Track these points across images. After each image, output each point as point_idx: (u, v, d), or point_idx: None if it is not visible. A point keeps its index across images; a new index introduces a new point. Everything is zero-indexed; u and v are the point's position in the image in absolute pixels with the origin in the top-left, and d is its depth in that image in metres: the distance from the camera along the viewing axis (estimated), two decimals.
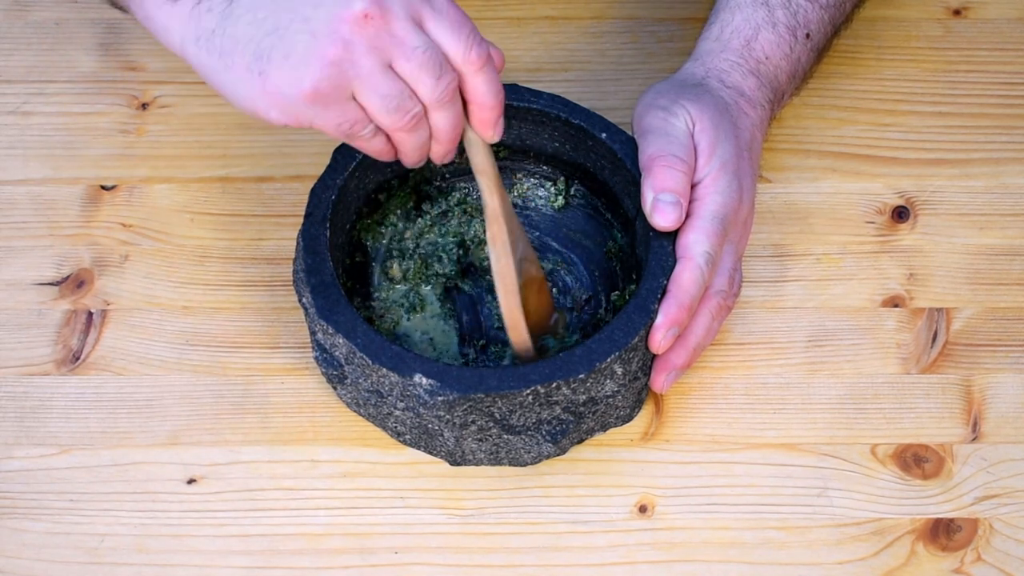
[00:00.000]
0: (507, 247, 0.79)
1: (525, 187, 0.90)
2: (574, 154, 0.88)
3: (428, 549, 0.80)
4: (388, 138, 0.74)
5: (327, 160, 0.84)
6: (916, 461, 0.83)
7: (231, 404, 0.84)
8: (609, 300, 0.87)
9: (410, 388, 0.77)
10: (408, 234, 0.89)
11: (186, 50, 0.73)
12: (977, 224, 0.92)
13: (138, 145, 0.95)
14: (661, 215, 0.80)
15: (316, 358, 0.81)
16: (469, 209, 0.90)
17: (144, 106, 0.97)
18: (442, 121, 0.73)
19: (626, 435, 0.84)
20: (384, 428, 0.82)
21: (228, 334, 0.87)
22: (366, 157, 0.84)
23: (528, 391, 0.76)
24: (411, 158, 0.75)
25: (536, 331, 0.82)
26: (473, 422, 0.78)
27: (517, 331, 0.81)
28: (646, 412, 0.84)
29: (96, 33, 1.00)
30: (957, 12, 1.02)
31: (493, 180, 0.77)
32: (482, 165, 0.77)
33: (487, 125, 0.74)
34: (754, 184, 0.85)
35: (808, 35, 0.89)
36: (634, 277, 0.85)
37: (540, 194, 0.90)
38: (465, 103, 0.74)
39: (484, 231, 0.85)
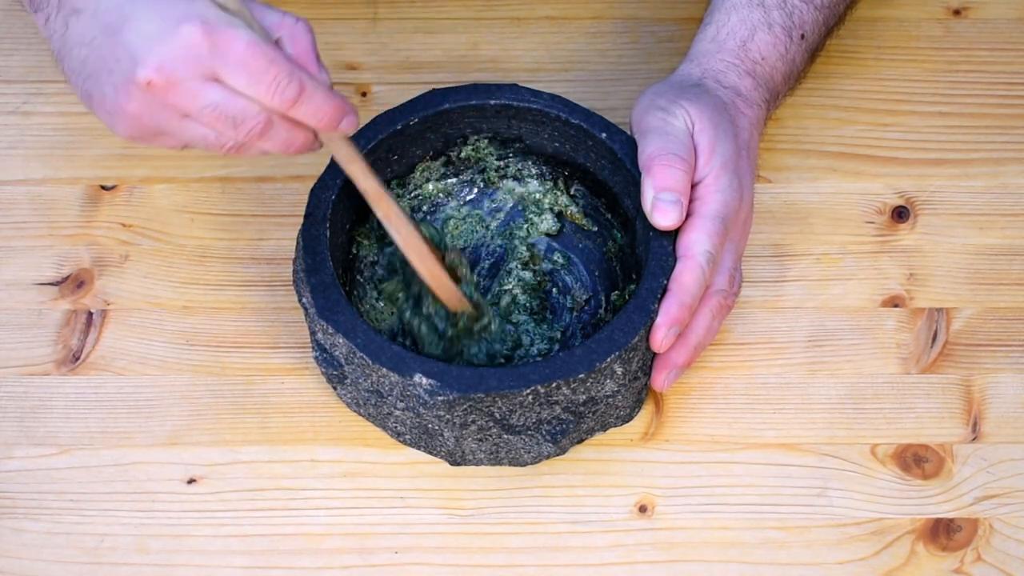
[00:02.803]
0: (402, 217, 0.79)
1: (525, 187, 0.90)
2: (574, 154, 0.88)
3: (428, 549, 0.80)
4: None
5: (327, 160, 0.84)
6: (916, 461, 0.83)
7: (231, 404, 0.84)
8: (609, 300, 0.87)
9: (410, 388, 0.77)
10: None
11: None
12: (977, 224, 0.92)
13: (138, 145, 0.95)
14: (662, 214, 0.80)
15: (316, 358, 0.81)
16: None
17: None
18: (269, 146, 0.74)
19: (626, 435, 0.84)
20: (384, 428, 0.82)
21: (228, 334, 0.87)
22: (366, 157, 0.83)
23: (528, 391, 0.76)
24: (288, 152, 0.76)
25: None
26: (473, 422, 0.78)
27: (446, 288, 0.82)
28: (646, 412, 0.84)
29: None
30: (957, 12, 1.02)
31: (360, 167, 0.78)
32: (344, 158, 0.77)
33: (330, 130, 0.74)
34: (753, 183, 0.86)
35: (803, 36, 0.89)
36: (634, 277, 0.85)
37: (541, 194, 0.90)
38: None
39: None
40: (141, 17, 0.70)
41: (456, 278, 0.83)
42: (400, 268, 0.85)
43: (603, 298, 0.87)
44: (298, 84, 0.71)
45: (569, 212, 0.89)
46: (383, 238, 0.88)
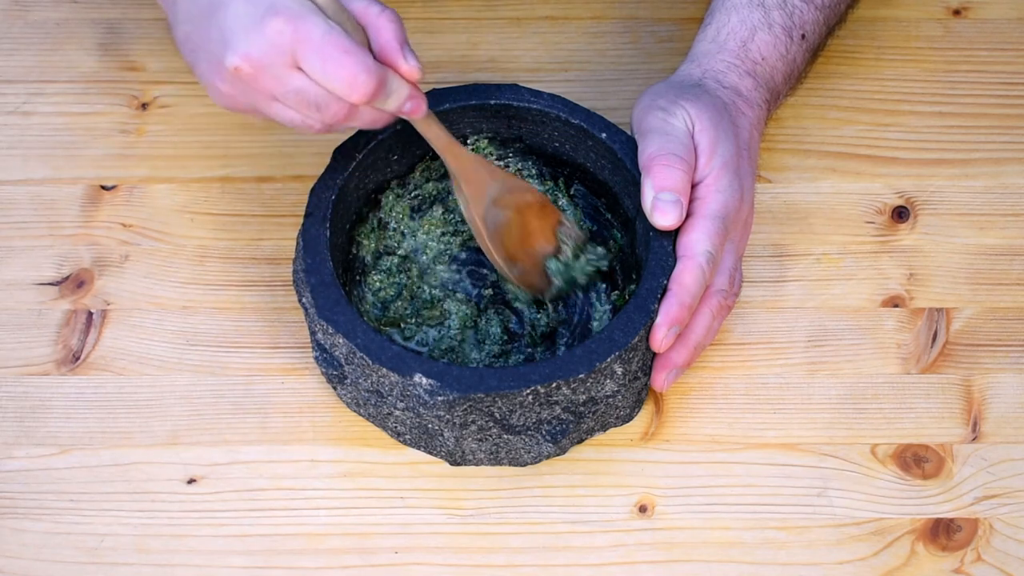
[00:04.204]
0: (468, 198, 0.83)
1: None
2: (574, 154, 0.88)
3: (428, 549, 0.80)
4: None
5: (327, 160, 0.84)
6: (916, 461, 0.83)
7: (231, 404, 0.84)
8: (609, 300, 0.87)
9: (410, 388, 0.77)
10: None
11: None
12: (977, 224, 0.92)
13: (138, 145, 0.95)
14: (662, 214, 0.80)
15: (316, 358, 0.81)
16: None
17: (144, 106, 0.96)
18: (357, 124, 0.78)
19: (626, 435, 0.84)
20: (384, 428, 0.82)
21: (228, 334, 0.87)
22: (366, 157, 0.84)
23: (528, 391, 0.76)
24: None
25: (539, 250, 0.85)
26: (473, 422, 0.78)
27: (500, 266, 0.84)
28: (646, 412, 0.84)
29: (96, 33, 1.00)
30: (957, 12, 1.02)
31: (442, 144, 0.81)
32: (428, 134, 0.81)
33: (414, 115, 0.78)
34: (754, 184, 0.86)
35: (804, 36, 0.89)
36: (634, 277, 0.85)
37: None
38: None
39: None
40: (234, 2, 0.73)
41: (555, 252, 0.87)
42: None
43: (604, 296, 0.87)
44: (375, 79, 0.74)
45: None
46: (383, 237, 0.88)
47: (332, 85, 0.74)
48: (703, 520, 0.81)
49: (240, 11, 0.73)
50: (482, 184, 0.83)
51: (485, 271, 0.89)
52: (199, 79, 0.78)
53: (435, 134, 0.81)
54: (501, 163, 0.90)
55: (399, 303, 0.86)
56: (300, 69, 0.74)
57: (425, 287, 0.87)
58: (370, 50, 0.76)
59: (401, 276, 0.87)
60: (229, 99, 0.77)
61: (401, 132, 0.85)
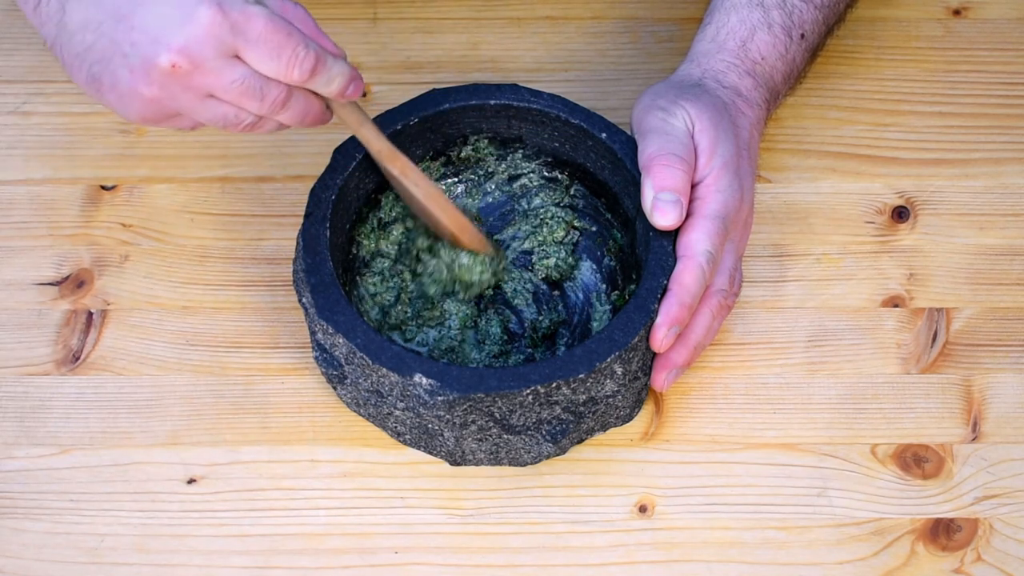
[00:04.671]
0: (418, 171, 0.82)
1: (525, 188, 0.90)
2: (574, 154, 0.88)
3: (428, 549, 0.80)
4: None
5: (327, 160, 0.84)
6: (916, 461, 0.83)
7: (231, 404, 0.84)
8: (609, 300, 0.87)
9: (410, 388, 0.77)
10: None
11: (48, 44, 0.77)
12: (977, 224, 0.92)
13: (138, 145, 0.95)
14: (661, 214, 0.80)
15: (316, 358, 0.81)
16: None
17: None
18: (287, 118, 0.76)
19: (626, 435, 0.84)
20: (384, 428, 0.82)
21: (228, 334, 0.87)
22: (367, 157, 0.84)
23: (528, 391, 0.76)
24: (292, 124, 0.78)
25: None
26: (473, 422, 0.78)
27: (471, 231, 0.84)
28: (646, 412, 0.84)
29: None
30: (957, 12, 1.02)
31: (371, 129, 0.81)
32: (355, 122, 0.80)
33: (344, 97, 0.77)
34: (754, 184, 0.86)
35: (803, 35, 0.89)
36: (634, 277, 0.85)
37: (540, 194, 0.90)
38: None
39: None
40: (152, 2, 0.71)
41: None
42: (413, 242, 0.87)
43: (604, 296, 0.87)
44: (314, 56, 0.73)
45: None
46: (382, 236, 0.88)
47: (273, 66, 0.73)
48: (703, 520, 0.81)
49: (164, 9, 0.71)
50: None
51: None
52: (104, 94, 0.74)
53: (358, 121, 0.80)
54: (501, 163, 0.90)
55: (399, 307, 0.86)
56: (238, 57, 0.73)
57: (422, 285, 0.87)
58: None
59: (395, 280, 0.87)
60: (151, 107, 0.74)
61: (400, 133, 0.85)
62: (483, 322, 0.87)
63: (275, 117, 0.76)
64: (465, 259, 0.85)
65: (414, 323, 0.86)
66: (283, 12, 0.74)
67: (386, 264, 0.87)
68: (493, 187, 0.90)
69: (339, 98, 0.76)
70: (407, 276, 0.87)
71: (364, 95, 0.80)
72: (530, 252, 0.89)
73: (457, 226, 0.84)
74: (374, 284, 0.86)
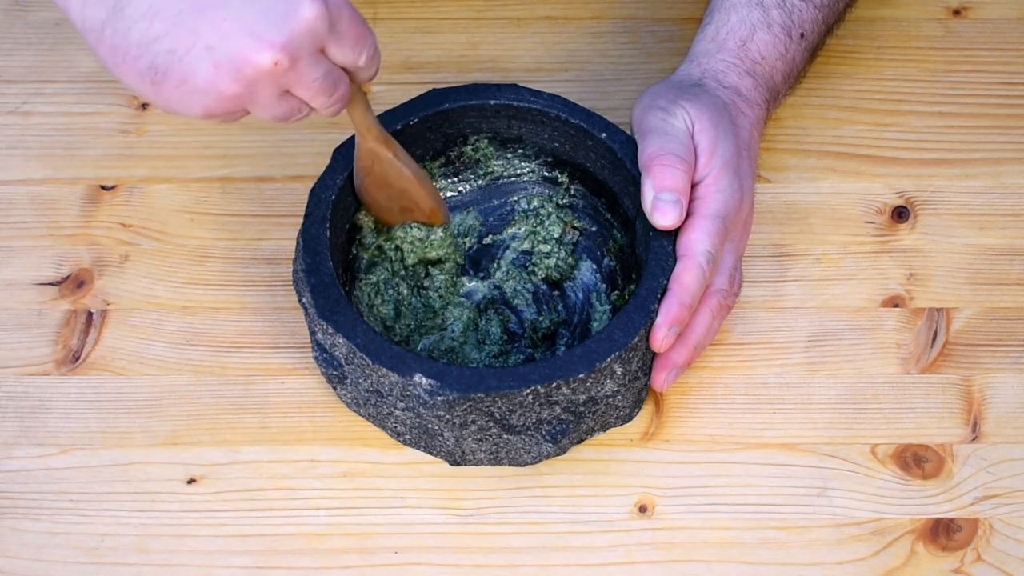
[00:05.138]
0: (406, 152, 0.83)
1: (525, 187, 0.90)
2: (574, 154, 0.88)
3: (428, 549, 0.80)
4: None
5: (327, 160, 0.84)
6: (916, 461, 0.83)
7: (231, 404, 0.84)
8: (609, 300, 0.87)
9: (410, 388, 0.77)
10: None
11: (79, 26, 0.71)
12: (977, 224, 0.92)
13: (138, 145, 0.95)
14: (661, 214, 0.80)
15: (316, 358, 0.81)
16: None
17: (144, 106, 0.97)
18: (338, 108, 0.75)
19: (626, 435, 0.84)
20: (384, 428, 0.82)
21: (228, 334, 0.87)
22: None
23: (528, 391, 0.76)
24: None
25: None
26: (473, 422, 0.78)
27: (445, 209, 0.87)
28: (646, 412, 0.84)
29: None
30: (957, 12, 1.02)
31: (371, 115, 0.81)
32: (360, 107, 0.79)
33: (367, 74, 0.76)
34: (754, 183, 0.86)
35: (803, 35, 0.89)
36: (634, 277, 0.85)
37: (540, 194, 0.90)
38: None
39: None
40: None
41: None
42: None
43: (604, 296, 0.87)
44: (375, 41, 0.74)
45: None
46: (382, 234, 0.88)
47: (353, 57, 0.72)
48: (703, 520, 0.81)
49: (265, 3, 0.67)
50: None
51: (482, 274, 0.89)
52: (166, 87, 0.69)
53: (364, 103, 0.80)
54: (501, 163, 0.90)
55: (401, 321, 0.86)
56: (322, 52, 0.71)
57: (420, 298, 0.87)
58: None
59: (390, 292, 0.87)
60: (226, 103, 0.70)
61: (400, 133, 0.85)
62: (483, 322, 0.87)
63: (326, 111, 0.74)
64: (440, 233, 0.87)
65: (417, 334, 0.86)
66: None
67: (381, 276, 0.87)
68: (493, 187, 0.90)
69: (371, 79, 0.76)
70: (403, 290, 0.87)
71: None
72: (530, 252, 0.89)
73: (438, 202, 0.86)
74: (369, 292, 0.86)
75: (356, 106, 0.79)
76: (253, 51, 0.68)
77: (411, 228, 0.87)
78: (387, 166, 0.83)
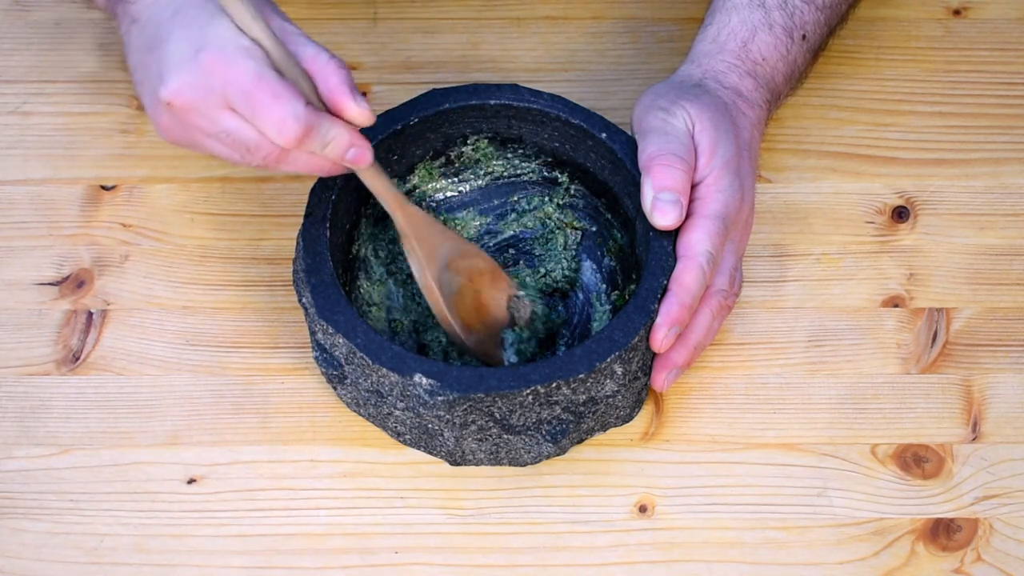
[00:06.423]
0: (421, 259, 0.81)
1: (525, 188, 0.90)
2: (574, 154, 0.88)
3: (428, 549, 0.80)
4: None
5: None
6: (916, 461, 0.83)
7: (231, 404, 0.84)
8: (609, 300, 0.87)
9: (410, 388, 0.77)
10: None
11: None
12: (977, 224, 0.92)
13: (138, 145, 0.95)
14: (661, 214, 0.80)
15: (316, 358, 0.81)
16: None
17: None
18: (292, 171, 0.77)
19: (626, 435, 0.84)
20: (384, 428, 0.82)
21: (228, 334, 0.87)
22: None
23: (528, 391, 0.76)
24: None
25: (492, 321, 0.84)
26: (473, 422, 0.78)
27: (455, 334, 0.83)
28: (646, 412, 0.84)
29: (96, 33, 1.00)
30: (957, 12, 1.02)
31: (391, 199, 0.79)
32: (375, 188, 0.79)
33: (358, 164, 0.76)
34: (754, 184, 0.86)
35: (804, 36, 0.89)
36: (634, 277, 0.85)
37: (540, 194, 0.90)
38: None
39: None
40: (173, 38, 0.74)
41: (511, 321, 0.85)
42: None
43: (604, 296, 0.87)
44: (303, 125, 0.72)
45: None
46: (377, 236, 0.88)
47: (261, 128, 0.73)
48: (703, 520, 0.81)
49: (177, 47, 0.73)
50: (434, 244, 0.82)
51: None
52: (146, 110, 0.78)
53: (383, 187, 0.79)
54: (501, 163, 0.90)
55: (401, 322, 0.86)
56: (232, 110, 0.73)
57: (420, 298, 0.87)
58: (317, 97, 0.74)
59: (383, 312, 0.86)
60: (168, 132, 0.77)
61: (400, 133, 0.85)
62: None
63: (277, 168, 0.76)
64: (510, 336, 0.85)
65: (416, 333, 0.86)
66: (314, 64, 0.73)
67: (374, 296, 0.87)
68: (493, 187, 0.90)
69: (340, 163, 0.76)
70: (403, 289, 0.87)
71: (364, 95, 0.79)
72: (531, 253, 0.89)
73: (446, 326, 0.83)
74: (378, 293, 0.86)
75: (368, 183, 0.78)
76: (157, 89, 0.75)
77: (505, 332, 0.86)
78: (453, 252, 0.82)
